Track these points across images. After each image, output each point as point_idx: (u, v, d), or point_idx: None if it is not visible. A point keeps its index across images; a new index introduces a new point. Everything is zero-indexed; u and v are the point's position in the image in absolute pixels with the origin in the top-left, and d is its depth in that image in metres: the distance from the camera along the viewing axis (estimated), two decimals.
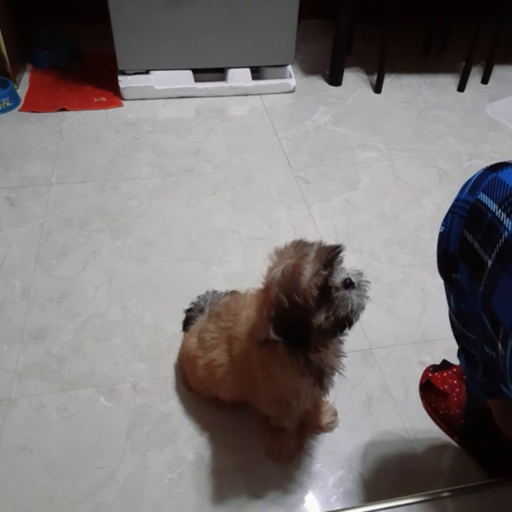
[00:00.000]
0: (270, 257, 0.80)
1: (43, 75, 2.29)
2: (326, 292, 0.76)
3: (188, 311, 1.20)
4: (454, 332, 0.88)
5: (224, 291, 1.22)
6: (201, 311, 1.16)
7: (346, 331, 0.82)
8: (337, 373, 0.92)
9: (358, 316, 0.80)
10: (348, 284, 0.78)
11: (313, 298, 0.75)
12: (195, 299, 1.21)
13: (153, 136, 1.98)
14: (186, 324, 1.18)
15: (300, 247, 0.79)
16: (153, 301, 1.36)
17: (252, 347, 0.89)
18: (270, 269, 0.79)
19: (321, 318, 0.77)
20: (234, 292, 1.18)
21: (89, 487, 1.00)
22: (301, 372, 0.85)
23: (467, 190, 0.71)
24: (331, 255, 0.78)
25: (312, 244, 0.80)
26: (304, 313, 0.76)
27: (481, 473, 1.04)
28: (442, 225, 0.75)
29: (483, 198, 0.67)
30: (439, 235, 0.76)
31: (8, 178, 1.75)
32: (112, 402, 1.14)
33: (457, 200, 0.73)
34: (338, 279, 0.78)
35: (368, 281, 0.81)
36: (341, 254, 0.80)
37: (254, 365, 0.90)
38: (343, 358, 0.92)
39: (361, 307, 0.80)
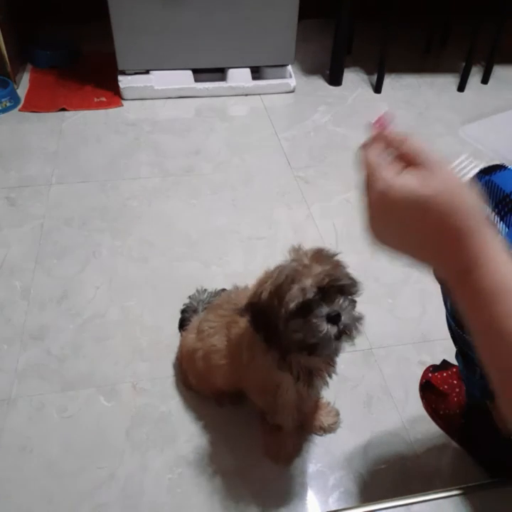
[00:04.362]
0: (288, 252, 0.81)
1: (43, 75, 2.29)
2: (305, 312, 0.76)
3: (183, 312, 1.20)
4: (451, 334, 0.88)
5: (214, 289, 1.23)
6: (195, 311, 1.16)
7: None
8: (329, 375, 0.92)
9: (327, 353, 0.80)
10: (332, 318, 0.75)
11: (287, 309, 0.75)
12: (186, 300, 1.22)
13: (153, 136, 1.98)
14: (182, 325, 1.19)
15: (317, 256, 0.78)
16: (153, 301, 1.36)
17: (247, 330, 0.90)
18: (280, 263, 0.80)
19: (288, 328, 0.77)
20: (224, 290, 1.18)
21: (89, 487, 1.00)
22: (277, 365, 0.85)
23: None
24: (330, 283, 0.76)
25: (330, 260, 0.78)
26: (273, 313, 0.77)
27: (481, 473, 1.04)
28: None
29: None
30: None
31: (8, 178, 1.75)
32: (112, 402, 1.14)
33: None
34: (324, 308, 0.76)
35: (360, 332, 0.78)
36: (354, 288, 0.78)
37: (243, 346, 0.92)
38: (334, 362, 0.91)
39: (335, 351, 0.80)
